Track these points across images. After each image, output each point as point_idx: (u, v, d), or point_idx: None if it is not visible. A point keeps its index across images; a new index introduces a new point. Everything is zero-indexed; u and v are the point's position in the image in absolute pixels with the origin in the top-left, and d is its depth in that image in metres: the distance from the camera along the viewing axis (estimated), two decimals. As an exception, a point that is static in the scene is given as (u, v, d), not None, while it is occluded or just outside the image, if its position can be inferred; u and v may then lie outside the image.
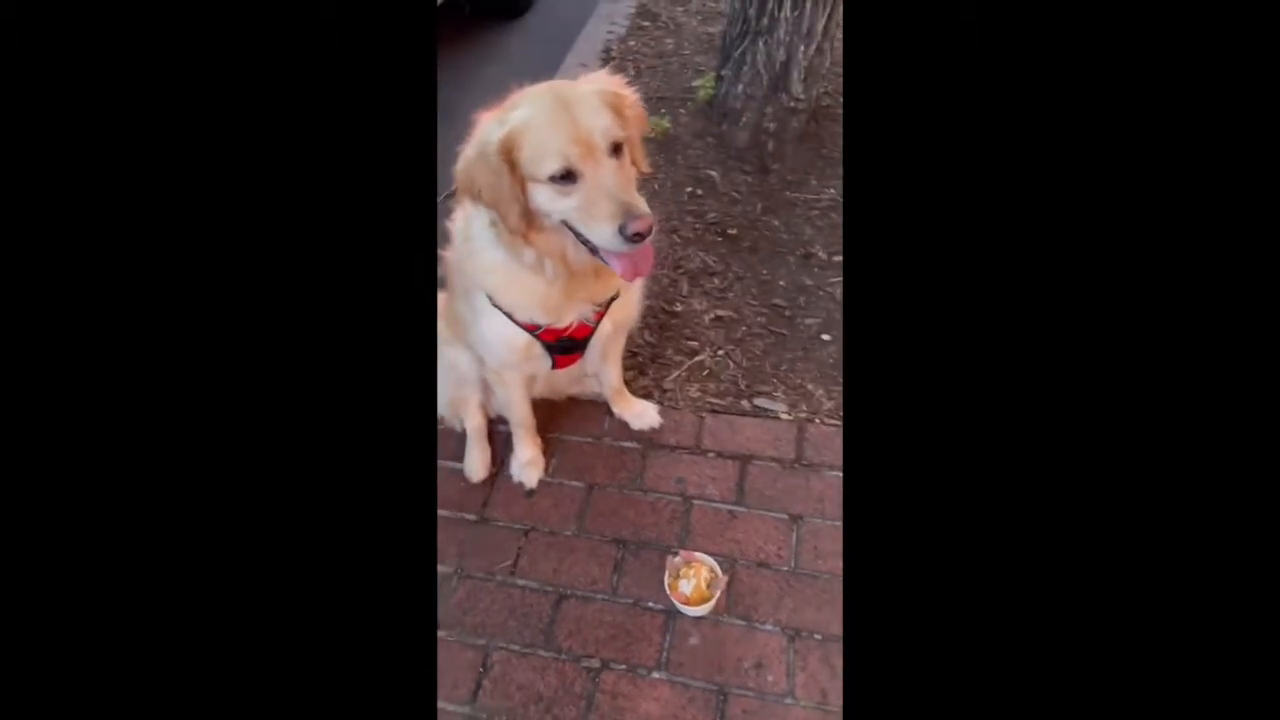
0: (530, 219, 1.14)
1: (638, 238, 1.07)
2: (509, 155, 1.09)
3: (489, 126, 1.12)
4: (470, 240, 1.29)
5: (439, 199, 2.02)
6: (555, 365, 1.45)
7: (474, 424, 1.70)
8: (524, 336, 1.34)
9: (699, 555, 1.43)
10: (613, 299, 1.38)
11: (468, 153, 1.15)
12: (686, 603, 1.37)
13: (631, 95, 1.20)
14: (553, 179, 1.08)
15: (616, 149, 1.11)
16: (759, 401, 1.81)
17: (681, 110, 2.85)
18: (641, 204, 1.09)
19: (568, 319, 1.32)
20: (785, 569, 1.47)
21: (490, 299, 1.31)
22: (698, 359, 1.93)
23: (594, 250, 1.14)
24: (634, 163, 1.20)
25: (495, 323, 1.33)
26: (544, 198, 1.11)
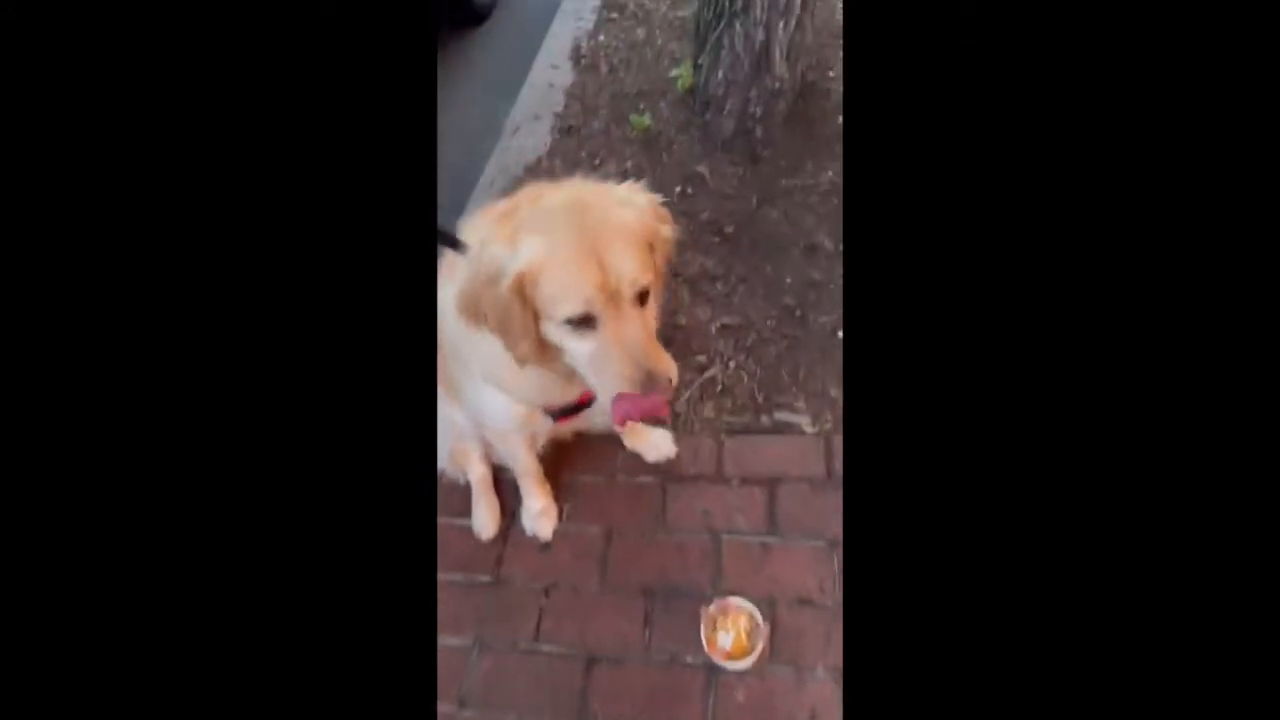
0: (544, 349, 1.01)
1: (644, 419, 0.94)
2: (522, 290, 0.95)
3: (497, 249, 0.96)
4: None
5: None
6: (557, 421, 1.33)
7: (478, 474, 1.59)
8: (524, 408, 1.22)
9: (735, 601, 1.31)
10: None
11: (471, 275, 1.00)
12: (728, 657, 1.26)
13: (666, 225, 1.04)
14: (569, 322, 0.95)
15: (643, 297, 0.96)
16: (779, 415, 1.69)
17: (661, 103, 2.70)
18: (665, 363, 0.94)
19: (571, 396, 1.20)
20: (830, 603, 1.35)
21: (486, 380, 1.19)
22: (708, 374, 1.80)
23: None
24: (654, 296, 1.03)
25: (493, 398, 1.21)
26: (556, 335, 0.98)
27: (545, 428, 1.36)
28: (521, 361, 1.01)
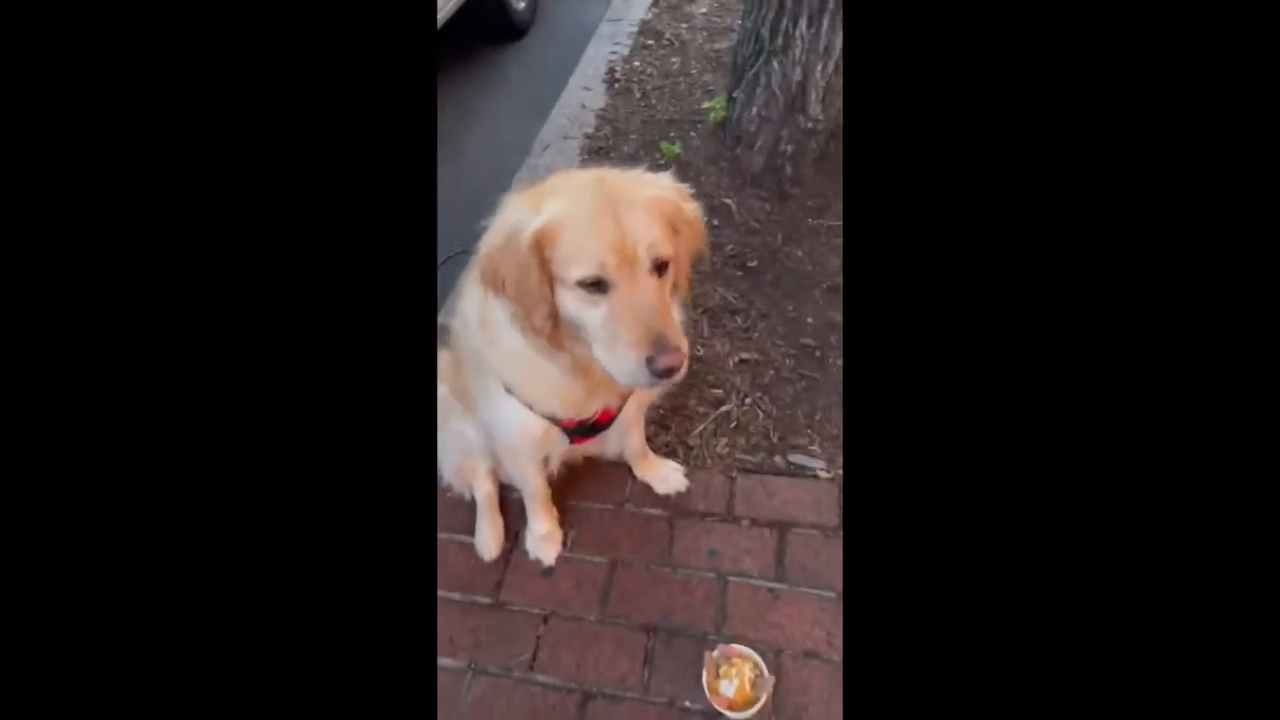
0: (557, 321, 0.99)
1: (666, 373, 0.90)
2: (541, 250, 0.94)
3: (521, 213, 0.97)
4: (489, 326, 1.13)
5: (441, 260, 1.89)
6: (573, 442, 1.31)
7: (484, 492, 1.56)
8: (541, 424, 1.19)
9: (740, 649, 1.27)
10: None
11: (493, 238, 1.00)
12: (730, 707, 1.22)
13: (691, 208, 1.04)
14: (581, 284, 0.93)
15: (661, 267, 0.95)
16: (794, 458, 1.66)
17: (692, 134, 2.71)
18: (677, 334, 0.93)
19: (591, 410, 1.18)
20: (836, 659, 1.31)
21: (506, 388, 1.17)
22: (724, 409, 1.78)
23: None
24: (676, 283, 1.03)
25: (510, 409, 1.18)
26: (569, 303, 0.97)
27: (561, 449, 1.33)
28: (536, 333, 1.00)
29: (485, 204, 1.05)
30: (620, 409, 1.24)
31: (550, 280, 0.96)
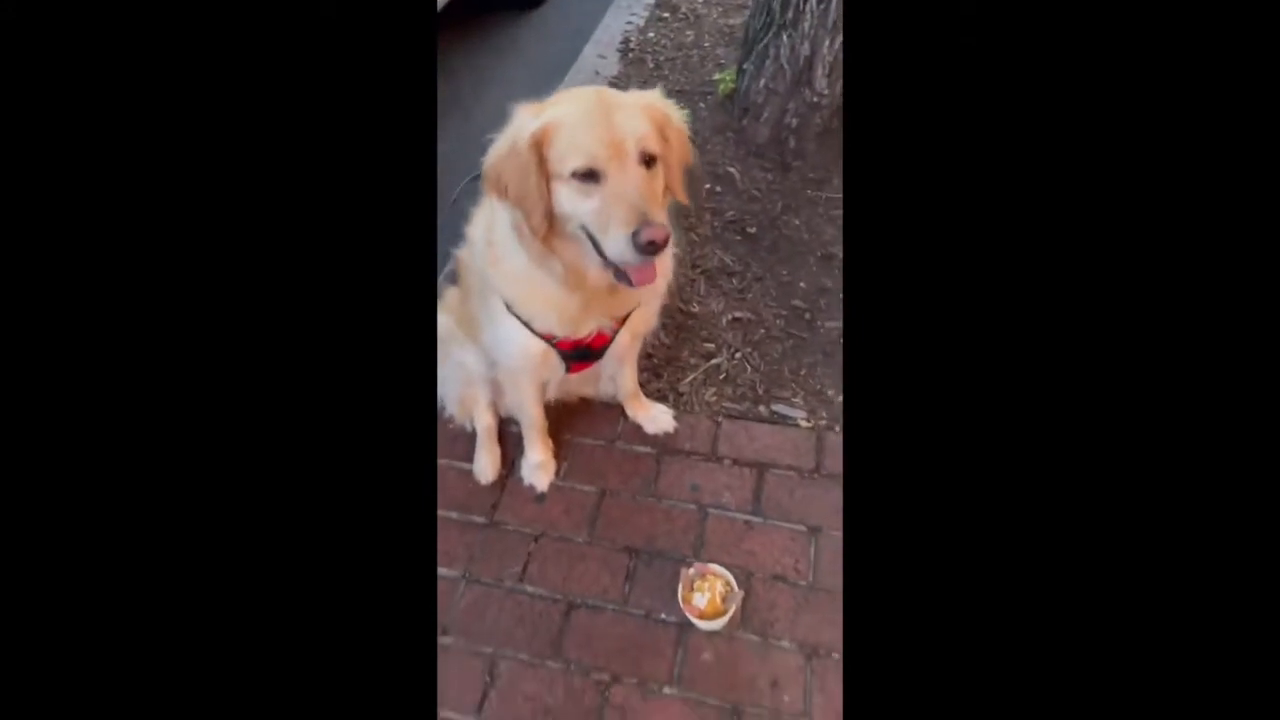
0: (552, 221, 1.09)
1: (650, 247, 1.00)
2: (540, 151, 1.05)
3: (524, 119, 1.08)
4: (493, 245, 1.23)
5: (455, 193, 1.98)
6: (569, 370, 1.40)
7: (483, 424, 1.66)
8: (540, 344, 1.29)
9: (714, 567, 1.38)
10: (632, 309, 1.33)
11: (498, 145, 1.11)
12: (701, 616, 1.32)
13: (678, 118, 1.14)
14: (575, 175, 1.04)
15: (649, 160, 1.06)
16: (777, 407, 1.76)
17: (701, 104, 2.79)
18: (662, 215, 1.04)
19: (585, 330, 1.27)
20: (803, 584, 1.41)
21: (508, 306, 1.27)
22: (714, 362, 1.88)
23: (607, 263, 1.08)
24: (670, 188, 1.15)
25: (511, 329, 1.29)
26: (565, 197, 1.06)
27: (558, 375, 1.43)
28: (535, 233, 1.09)
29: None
30: (614, 335, 1.33)
31: (547, 179, 1.06)
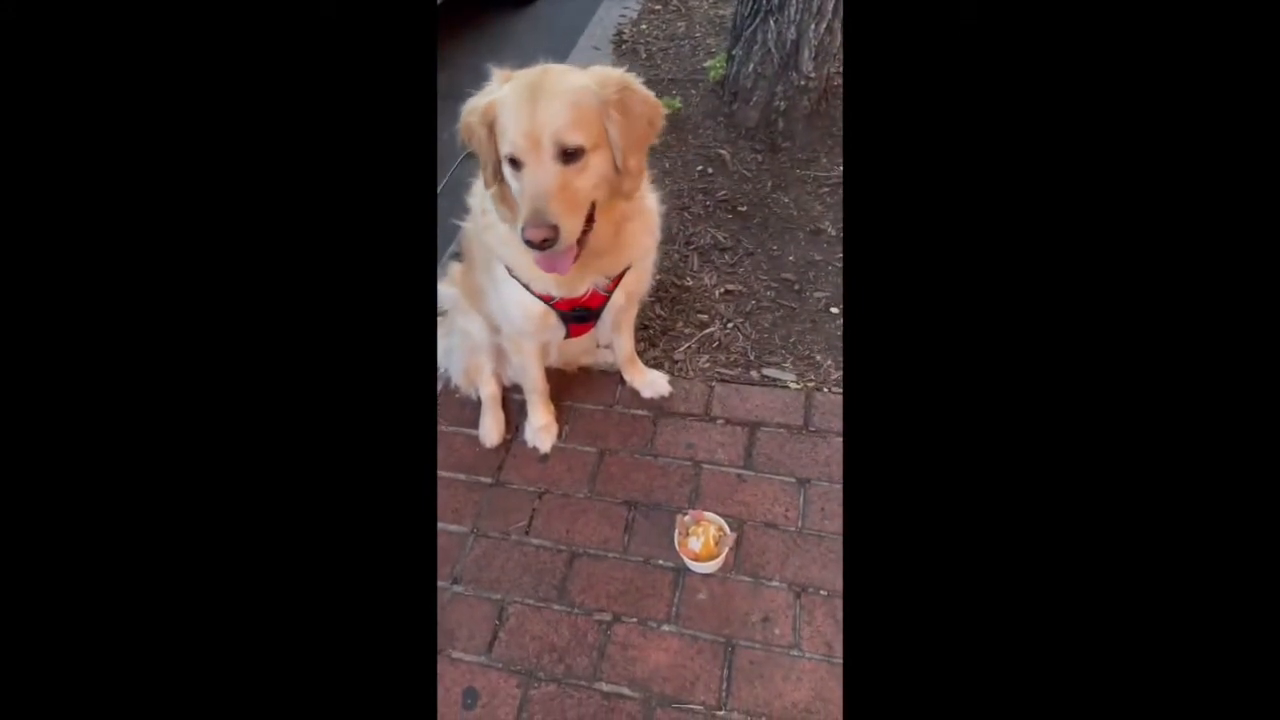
0: (503, 181, 1.20)
1: (529, 244, 1.09)
2: (489, 121, 1.15)
3: (491, 86, 1.18)
4: (487, 213, 1.33)
5: (453, 166, 2.07)
6: (569, 334, 1.49)
7: (488, 391, 1.75)
8: (540, 305, 1.38)
9: (708, 514, 1.46)
10: (625, 270, 1.41)
11: (470, 102, 1.20)
12: (695, 559, 1.41)
13: (638, 89, 1.16)
14: (507, 159, 1.14)
15: (569, 155, 1.10)
16: (768, 371, 1.84)
17: (693, 90, 2.87)
18: (553, 216, 1.07)
19: (581, 289, 1.36)
20: (792, 529, 1.50)
21: (508, 269, 1.35)
22: (708, 331, 1.96)
23: None
24: (624, 166, 1.16)
25: (513, 292, 1.37)
26: (506, 172, 1.18)
27: (558, 336, 1.51)
28: (486, 185, 1.22)
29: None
30: (609, 296, 1.41)
31: (496, 145, 1.16)
